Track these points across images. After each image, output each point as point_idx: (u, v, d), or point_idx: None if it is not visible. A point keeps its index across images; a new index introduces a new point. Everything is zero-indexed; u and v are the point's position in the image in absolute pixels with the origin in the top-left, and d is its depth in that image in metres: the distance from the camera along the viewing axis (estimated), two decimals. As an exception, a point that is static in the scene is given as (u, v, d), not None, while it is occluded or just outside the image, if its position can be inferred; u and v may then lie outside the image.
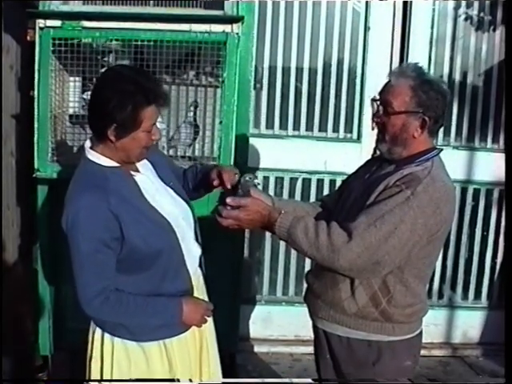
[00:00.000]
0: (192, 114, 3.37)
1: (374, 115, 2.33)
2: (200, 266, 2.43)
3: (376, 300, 2.28)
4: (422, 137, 2.27)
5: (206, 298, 2.45)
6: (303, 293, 2.64)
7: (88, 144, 2.21)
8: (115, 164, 2.17)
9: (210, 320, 2.46)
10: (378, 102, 2.31)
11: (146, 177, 2.26)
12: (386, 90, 2.29)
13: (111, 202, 2.07)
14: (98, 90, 2.15)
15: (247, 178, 2.32)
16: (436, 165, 2.26)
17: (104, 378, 2.23)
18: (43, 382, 3.75)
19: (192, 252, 2.35)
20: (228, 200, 2.24)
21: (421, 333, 2.44)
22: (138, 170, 2.25)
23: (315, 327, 2.52)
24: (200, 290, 2.40)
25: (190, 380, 2.31)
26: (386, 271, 2.23)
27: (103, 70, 2.38)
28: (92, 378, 2.26)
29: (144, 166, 2.29)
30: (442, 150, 2.34)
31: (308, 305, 2.53)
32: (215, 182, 2.36)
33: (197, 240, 2.40)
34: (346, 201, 2.43)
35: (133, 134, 2.09)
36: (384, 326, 2.31)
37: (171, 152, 3.42)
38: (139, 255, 2.13)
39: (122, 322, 2.19)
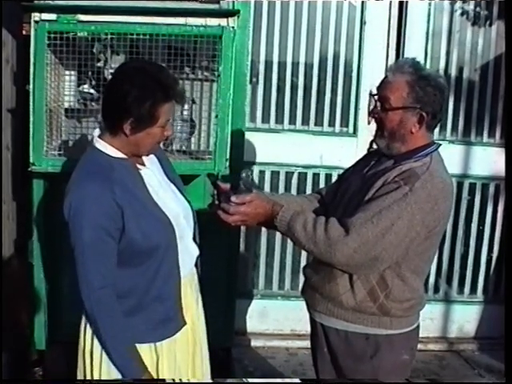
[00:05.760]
0: (188, 108, 3.36)
1: (372, 111, 2.33)
2: (196, 265, 2.42)
3: (374, 294, 2.28)
4: (420, 132, 2.28)
5: (200, 298, 2.45)
6: (299, 287, 2.65)
7: (97, 132, 2.21)
8: (122, 155, 2.15)
9: (201, 318, 2.45)
10: (376, 98, 2.31)
11: (151, 171, 2.25)
12: (383, 86, 2.29)
13: (116, 191, 2.06)
14: (117, 82, 2.11)
15: (246, 174, 2.33)
16: (435, 160, 2.26)
17: (94, 372, 2.18)
18: (40, 377, 3.75)
19: (189, 251, 2.35)
20: (233, 198, 2.26)
21: (418, 326, 2.45)
22: (143, 164, 2.24)
23: (313, 321, 2.52)
24: (194, 290, 2.39)
25: (173, 380, 2.28)
26: (383, 267, 2.23)
27: (122, 63, 2.35)
28: (85, 372, 2.23)
29: (150, 160, 2.29)
30: (440, 144, 2.34)
31: (306, 298, 2.53)
32: None
33: (195, 240, 2.40)
34: (344, 194, 2.44)
35: (148, 129, 2.09)
36: (382, 319, 2.31)
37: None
38: (136, 248, 2.12)
39: (97, 326, 2.10)
